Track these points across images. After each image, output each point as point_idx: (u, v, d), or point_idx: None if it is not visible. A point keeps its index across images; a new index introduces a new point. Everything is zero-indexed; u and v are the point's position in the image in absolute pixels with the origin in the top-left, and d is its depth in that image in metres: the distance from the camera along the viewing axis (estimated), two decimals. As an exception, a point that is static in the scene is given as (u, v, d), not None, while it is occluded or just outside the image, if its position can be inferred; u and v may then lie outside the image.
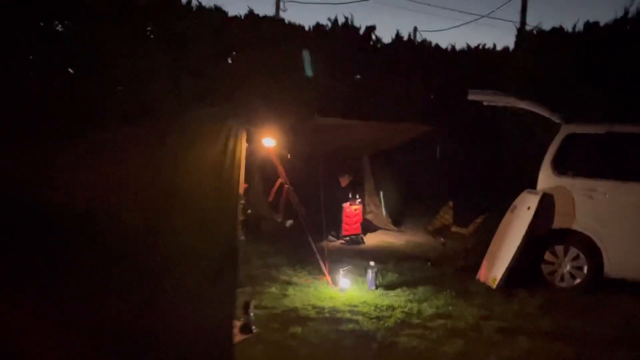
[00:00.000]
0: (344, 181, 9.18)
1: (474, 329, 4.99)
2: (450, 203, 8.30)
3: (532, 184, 6.83)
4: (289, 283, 6.19)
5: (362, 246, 8.75)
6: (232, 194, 3.53)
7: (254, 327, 4.69)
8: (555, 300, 6.00)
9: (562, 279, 6.56)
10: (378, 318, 5.14)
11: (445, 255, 7.72)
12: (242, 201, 5.02)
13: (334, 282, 6.07)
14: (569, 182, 6.63)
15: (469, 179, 9.84)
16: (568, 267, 6.55)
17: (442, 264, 7.44)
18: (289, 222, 9.29)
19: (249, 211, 5.33)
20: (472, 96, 7.22)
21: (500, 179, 9.60)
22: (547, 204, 6.60)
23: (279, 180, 6.43)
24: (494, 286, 6.42)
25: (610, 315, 5.55)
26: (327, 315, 5.18)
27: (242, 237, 4.92)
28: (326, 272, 6.17)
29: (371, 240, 9.10)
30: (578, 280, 6.49)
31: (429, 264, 7.43)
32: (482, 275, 6.82)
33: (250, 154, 5.76)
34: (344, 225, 9.00)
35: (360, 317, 5.13)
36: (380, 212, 10.23)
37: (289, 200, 6.62)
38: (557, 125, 6.83)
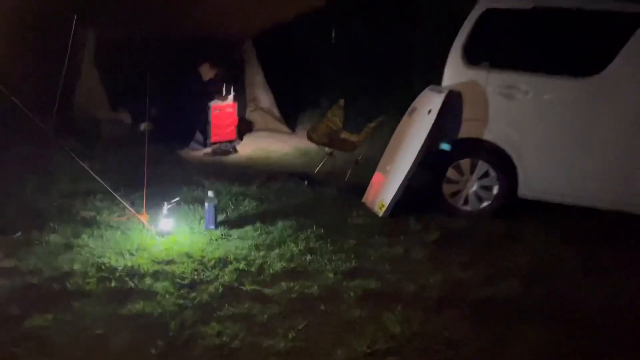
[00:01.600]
0: (206, 73, 7.10)
1: (329, 298, 3.39)
2: (342, 101, 6.53)
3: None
4: (88, 224, 4.31)
5: (231, 157, 6.94)
6: None
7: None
8: (454, 236, 4.58)
9: (466, 201, 5.18)
10: (192, 284, 3.46)
11: (330, 170, 6.08)
12: None
13: (152, 223, 4.28)
14: (483, 75, 5.01)
15: (371, 71, 7.99)
16: (475, 187, 5.16)
17: (323, 183, 5.82)
18: (143, 125, 7.28)
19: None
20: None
21: (410, 70, 7.83)
22: (453, 105, 5.02)
23: None
24: (381, 214, 4.97)
25: (520, 255, 4.18)
26: (114, 284, 3.41)
27: None
28: (130, 210, 4.25)
29: (248, 148, 7.28)
30: (485, 203, 5.14)
31: (305, 183, 5.76)
32: (369, 197, 5.32)
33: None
34: (212, 130, 7.11)
35: (164, 285, 3.41)
36: (269, 110, 8.38)
37: None
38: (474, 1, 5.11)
